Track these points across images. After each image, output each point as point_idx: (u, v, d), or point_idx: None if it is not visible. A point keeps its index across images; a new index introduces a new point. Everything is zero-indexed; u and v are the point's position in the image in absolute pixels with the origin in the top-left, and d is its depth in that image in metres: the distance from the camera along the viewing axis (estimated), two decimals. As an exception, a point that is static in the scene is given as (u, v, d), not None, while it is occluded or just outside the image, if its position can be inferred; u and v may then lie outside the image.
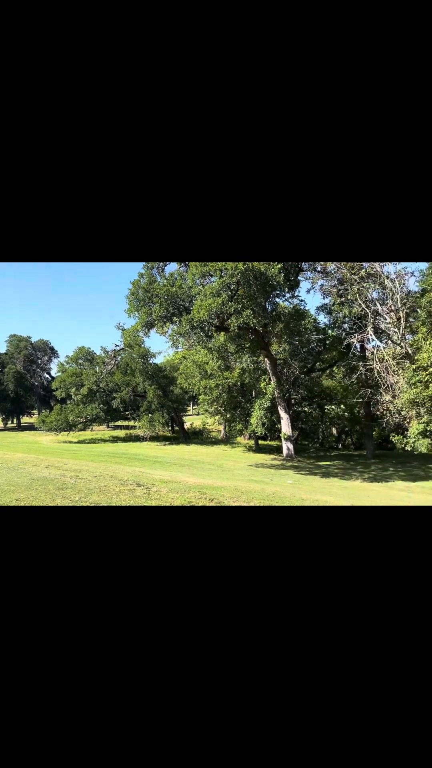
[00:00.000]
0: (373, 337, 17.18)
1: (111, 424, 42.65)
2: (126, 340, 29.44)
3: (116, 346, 31.58)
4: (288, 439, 21.79)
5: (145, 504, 6.97)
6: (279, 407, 21.84)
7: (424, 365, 13.28)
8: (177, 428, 34.68)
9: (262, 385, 22.78)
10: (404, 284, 16.69)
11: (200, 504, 7.73)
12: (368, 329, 16.48)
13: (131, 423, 39.05)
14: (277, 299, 19.28)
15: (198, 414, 39.26)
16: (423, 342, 13.88)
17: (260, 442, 28.12)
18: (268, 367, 21.68)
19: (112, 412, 34.48)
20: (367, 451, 23.48)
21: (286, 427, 21.68)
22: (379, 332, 17.37)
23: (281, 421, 21.96)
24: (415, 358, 14.36)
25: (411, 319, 16.45)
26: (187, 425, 36.11)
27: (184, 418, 38.58)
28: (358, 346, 19.87)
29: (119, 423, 42.28)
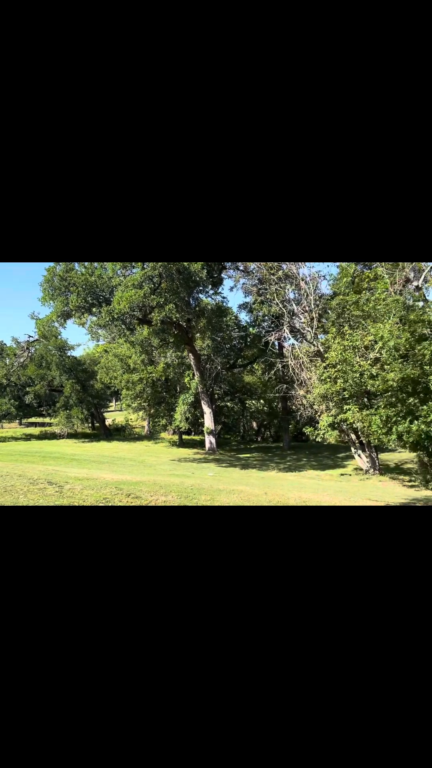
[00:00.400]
0: (289, 335, 18.23)
1: (24, 421, 39.51)
2: (40, 330, 27.41)
3: (29, 336, 29.24)
4: (211, 433, 22.21)
5: (57, 503, 6.58)
6: (202, 402, 22.15)
7: (333, 363, 14.41)
8: (98, 425, 33.32)
9: (186, 380, 22.90)
10: (318, 287, 17.96)
11: (116, 500, 7.53)
12: (285, 328, 17.44)
13: (47, 420, 36.56)
14: (201, 295, 19.49)
15: (121, 410, 38.14)
16: (332, 341, 15.06)
17: (184, 437, 28.28)
18: (192, 362, 21.84)
19: (24, 408, 31.98)
20: (284, 443, 24.93)
21: (209, 421, 22.07)
22: (294, 331, 18.47)
23: (204, 415, 22.30)
24: (326, 356, 15.55)
25: (323, 320, 17.77)
26: (108, 421, 34.87)
27: (106, 414, 37.20)
28: (276, 343, 20.95)
29: (33, 420, 39.34)
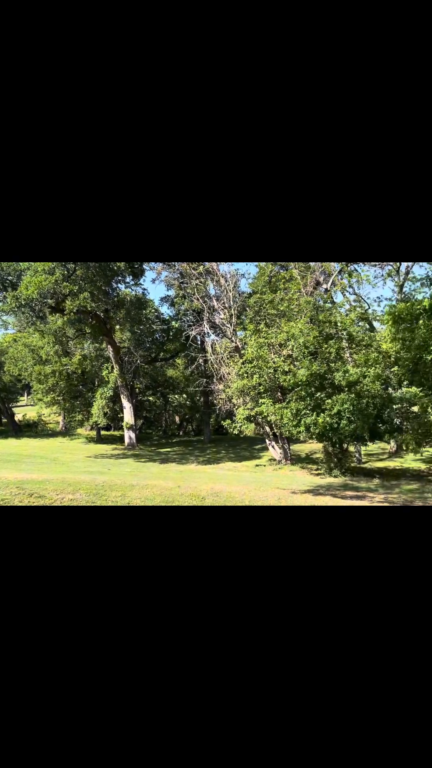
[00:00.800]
0: (209, 330, 18.48)
1: None
2: None
3: None
4: (130, 428, 21.68)
5: None
6: (122, 396, 21.49)
7: (249, 359, 14.95)
8: (5, 420, 30.54)
9: (104, 374, 22.00)
10: (237, 284, 18.45)
11: (17, 501, 6.95)
12: (205, 323, 17.64)
13: None
14: (120, 285, 18.82)
15: (33, 404, 35.40)
16: (250, 338, 15.62)
17: (103, 432, 27.21)
18: (111, 355, 21.04)
19: None
20: (205, 437, 25.33)
21: (128, 416, 21.50)
22: (215, 327, 18.78)
23: (124, 410, 21.68)
24: (242, 352, 16.07)
25: (243, 317, 18.34)
26: (18, 417, 32.16)
27: (15, 408, 34.26)
28: (199, 338, 21.11)
29: None
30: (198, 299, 17.66)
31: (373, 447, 18.78)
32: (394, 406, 12.50)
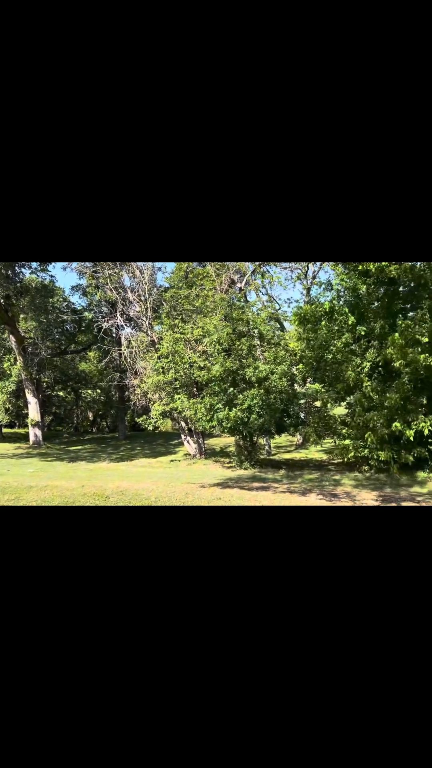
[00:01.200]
0: (124, 323, 17.87)
1: None
2: None
3: None
4: (36, 425, 20.08)
5: None
6: (26, 391, 19.78)
7: (165, 354, 14.79)
8: None
9: (6, 366, 20.02)
10: (154, 277, 18.09)
11: None
12: (118, 315, 17.00)
13: None
14: (24, 270, 17.24)
15: None
16: (165, 333, 15.44)
17: (5, 430, 24.83)
18: (13, 346, 19.20)
19: None
20: (120, 434, 24.57)
21: (34, 412, 19.88)
22: (130, 319, 18.22)
23: (29, 406, 19.98)
24: (158, 346, 15.85)
25: (159, 311, 18.04)
26: None
27: None
28: (114, 331, 20.28)
29: None
30: (111, 290, 16.95)
31: (282, 439, 19.96)
32: (300, 402, 13.39)
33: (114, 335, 20.73)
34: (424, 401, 10.59)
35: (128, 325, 18.53)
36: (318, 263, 18.34)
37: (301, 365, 12.71)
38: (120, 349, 18.09)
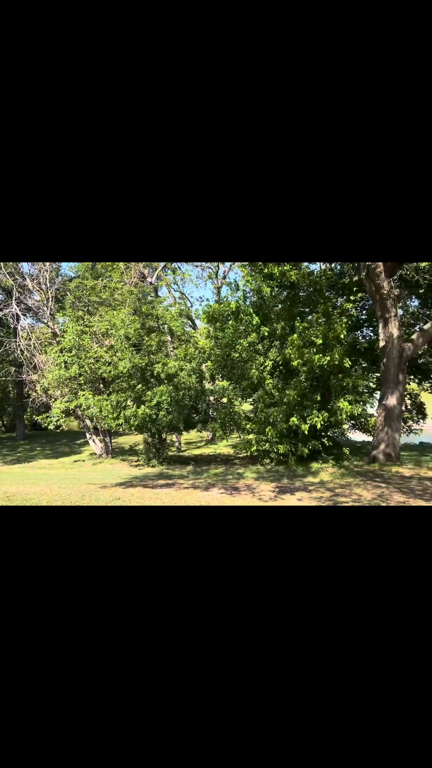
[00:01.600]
0: (21, 313, 16.31)
1: None
2: None
3: None
4: None
5: None
6: None
7: (68, 347, 13.85)
8: None
9: None
10: (57, 265, 16.81)
11: None
12: (14, 304, 15.46)
13: None
14: None
15: None
16: (69, 325, 14.45)
17: None
18: None
19: None
20: (17, 433, 22.49)
21: None
22: (29, 309, 16.69)
23: None
24: (59, 339, 14.78)
25: (64, 302, 16.81)
26: None
27: None
28: (11, 321, 18.37)
29: None
30: (5, 275, 15.33)
31: (193, 435, 20.17)
32: (209, 398, 13.60)
33: (10, 326, 18.80)
34: (318, 398, 11.54)
35: (27, 315, 16.96)
36: (228, 263, 18.85)
37: (209, 362, 12.92)
38: (17, 341, 16.46)
